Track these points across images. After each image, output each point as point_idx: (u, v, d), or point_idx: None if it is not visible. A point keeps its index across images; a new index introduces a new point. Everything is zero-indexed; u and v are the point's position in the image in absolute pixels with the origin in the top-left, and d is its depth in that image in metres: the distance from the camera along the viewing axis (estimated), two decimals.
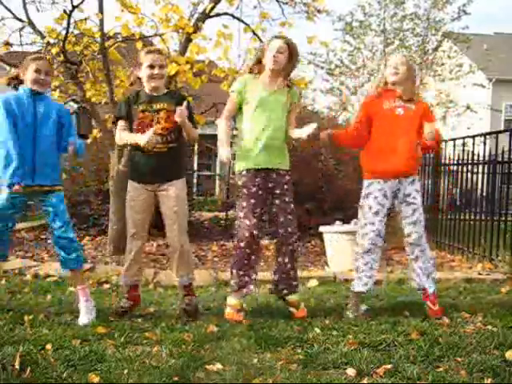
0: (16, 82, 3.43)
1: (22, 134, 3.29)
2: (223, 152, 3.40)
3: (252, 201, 3.44)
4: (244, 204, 3.45)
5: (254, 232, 3.41)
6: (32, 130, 3.33)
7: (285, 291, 3.58)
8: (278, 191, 3.51)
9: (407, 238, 3.64)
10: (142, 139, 3.30)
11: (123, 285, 3.61)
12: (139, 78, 3.51)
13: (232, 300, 3.48)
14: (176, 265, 3.51)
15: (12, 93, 3.40)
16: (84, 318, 3.35)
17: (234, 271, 3.50)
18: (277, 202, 3.51)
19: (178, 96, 3.55)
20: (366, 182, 3.67)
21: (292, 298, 3.58)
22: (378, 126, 3.62)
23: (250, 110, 3.50)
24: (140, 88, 3.52)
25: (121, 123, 3.49)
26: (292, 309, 3.56)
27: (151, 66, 3.37)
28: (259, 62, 3.54)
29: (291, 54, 3.49)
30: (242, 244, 3.45)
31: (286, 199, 3.51)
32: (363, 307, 3.61)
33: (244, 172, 3.47)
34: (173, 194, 3.42)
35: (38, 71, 3.35)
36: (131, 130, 3.45)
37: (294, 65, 3.57)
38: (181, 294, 3.57)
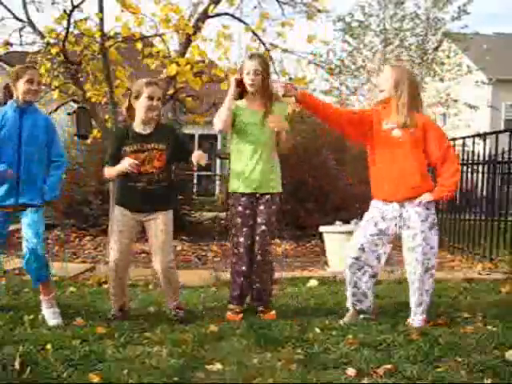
0: (7, 94, 3.38)
1: (6, 151, 3.28)
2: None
3: (239, 220, 3.61)
4: (233, 222, 3.65)
5: (241, 250, 3.58)
6: (16, 147, 3.31)
7: (258, 307, 3.64)
8: (255, 211, 3.61)
9: (406, 265, 3.42)
10: (122, 165, 3.33)
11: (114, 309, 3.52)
12: (131, 107, 3.44)
13: (231, 305, 3.64)
14: (164, 290, 3.54)
15: None
16: (54, 321, 3.32)
17: (232, 280, 3.69)
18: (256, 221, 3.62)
19: (169, 134, 3.49)
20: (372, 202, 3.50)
21: (265, 313, 3.57)
22: (376, 150, 3.40)
23: (238, 134, 3.61)
24: (127, 122, 3.48)
25: (110, 164, 3.48)
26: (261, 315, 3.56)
27: (150, 98, 3.36)
28: (239, 84, 3.57)
29: (266, 71, 3.56)
30: (234, 259, 3.65)
31: (259, 220, 3.59)
32: (361, 316, 3.50)
33: (232, 193, 3.65)
34: (160, 223, 3.41)
35: (30, 81, 3.32)
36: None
37: (269, 77, 3.62)
38: (168, 308, 3.57)
